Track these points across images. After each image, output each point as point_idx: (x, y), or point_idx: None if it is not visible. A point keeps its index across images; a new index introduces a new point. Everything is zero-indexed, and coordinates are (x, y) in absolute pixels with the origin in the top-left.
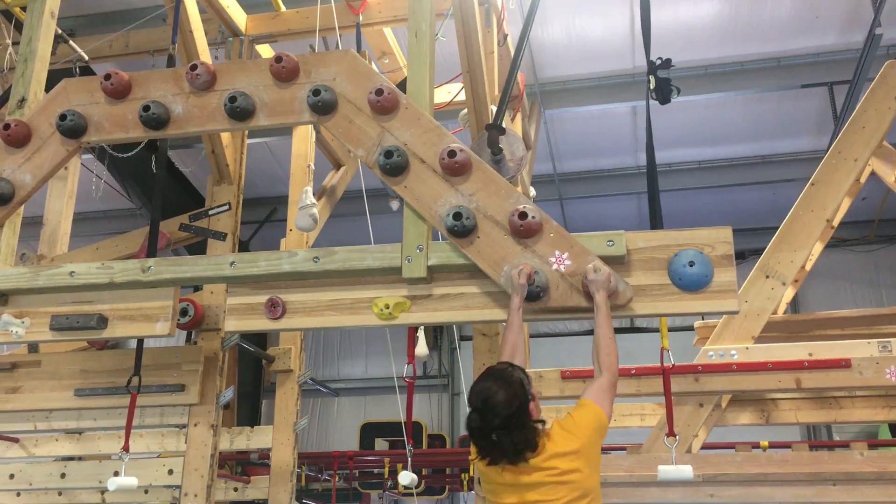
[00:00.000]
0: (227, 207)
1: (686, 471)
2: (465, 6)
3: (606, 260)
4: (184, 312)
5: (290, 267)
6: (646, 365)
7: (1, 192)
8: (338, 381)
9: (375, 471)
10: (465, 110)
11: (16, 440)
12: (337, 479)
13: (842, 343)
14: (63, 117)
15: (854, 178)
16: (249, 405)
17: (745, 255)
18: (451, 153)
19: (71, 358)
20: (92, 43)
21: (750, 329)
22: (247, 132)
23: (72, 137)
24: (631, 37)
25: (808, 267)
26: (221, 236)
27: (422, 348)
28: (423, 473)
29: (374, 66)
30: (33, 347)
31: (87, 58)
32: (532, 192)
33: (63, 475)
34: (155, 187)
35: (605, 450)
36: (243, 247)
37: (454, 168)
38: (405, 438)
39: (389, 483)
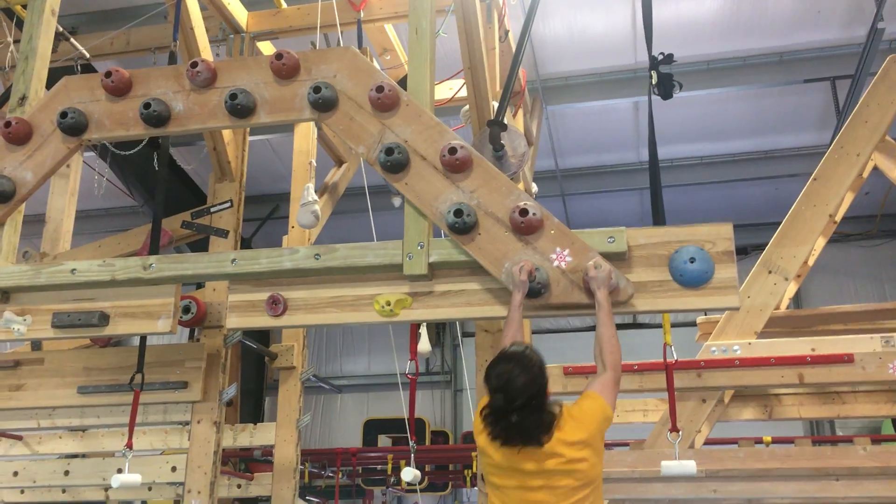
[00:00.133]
0: (228, 205)
1: (689, 466)
2: (466, 2)
3: (607, 256)
4: (186, 310)
5: (292, 264)
6: (648, 361)
7: (2, 190)
8: (340, 377)
9: (378, 467)
10: (467, 107)
11: (19, 438)
12: (340, 475)
13: (844, 338)
14: (64, 115)
15: (857, 173)
16: (252, 402)
17: (747, 251)
18: (452, 150)
19: (74, 355)
20: (93, 40)
21: (752, 324)
22: (248, 129)
23: (73, 135)
24: (632, 32)
25: (811, 262)
26: (223, 233)
27: (424, 345)
28: (426, 470)
29: (375, 63)
30: (36, 345)
31: (87, 55)
32: (534, 188)
33: (67, 472)
34: (157, 185)
35: (607, 445)
36: (245, 244)
37: (455, 165)
38: (408, 435)
39: (392, 479)
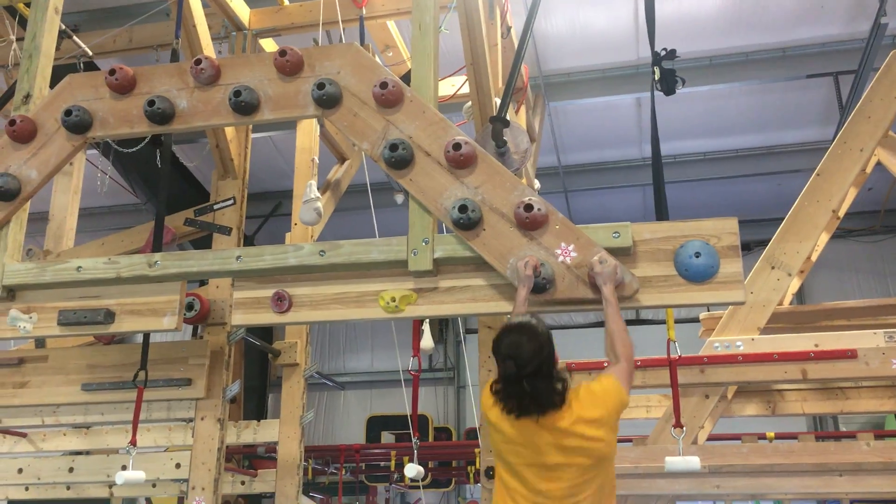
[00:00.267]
0: (231, 202)
1: (693, 462)
2: None
3: (612, 251)
4: (189, 307)
5: (297, 260)
6: (651, 356)
7: (7, 188)
8: (344, 374)
9: (382, 464)
10: (469, 103)
11: (24, 435)
12: (343, 472)
13: (848, 333)
14: (68, 113)
15: (860, 169)
16: (256, 399)
17: (750, 247)
18: (457, 146)
19: (78, 353)
20: (96, 38)
21: (756, 320)
22: (251, 127)
23: (77, 133)
24: (635, 28)
25: (814, 258)
26: (226, 231)
27: (427, 341)
28: (430, 466)
29: (377, 60)
30: (40, 342)
31: (90, 53)
32: (536, 184)
33: (71, 469)
34: (160, 182)
35: None
36: (248, 241)
37: (459, 160)
38: (411, 431)
39: (396, 476)
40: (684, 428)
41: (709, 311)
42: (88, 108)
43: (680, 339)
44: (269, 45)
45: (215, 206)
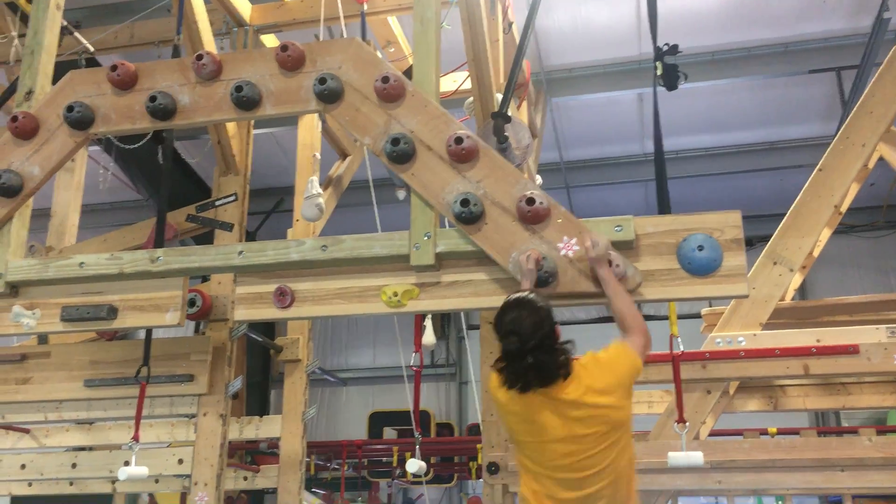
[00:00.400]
0: (233, 198)
1: (696, 457)
2: None
3: (615, 245)
4: (191, 303)
5: (299, 256)
6: (653, 352)
7: (10, 185)
8: (346, 370)
9: (384, 459)
10: (471, 99)
11: (27, 431)
12: (346, 467)
13: (850, 329)
14: (70, 109)
15: (862, 164)
16: (258, 395)
17: (752, 242)
18: (458, 140)
19: (80, 349)
20: (97, 34)
21: (757, 315)
22: (252, 123)
23: (79, 129)
24: (637, 24)
25: (816, 253)
26: (228, 227)
27: (429, 337)
28: (432, 462)
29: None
30: (43, 339)
31: (92, 49)
32: (538, 180)
33: (74, 465)
34: (162, 178)
35: None
36: (250, 237)
37: (461, 155)
38: (413, 427)
39: (398, 472)
40: (687, 423)
41: (711, 306)
42: (90, 104)
43: (682, 334)
44: (271, 40)
45: (217, 203)
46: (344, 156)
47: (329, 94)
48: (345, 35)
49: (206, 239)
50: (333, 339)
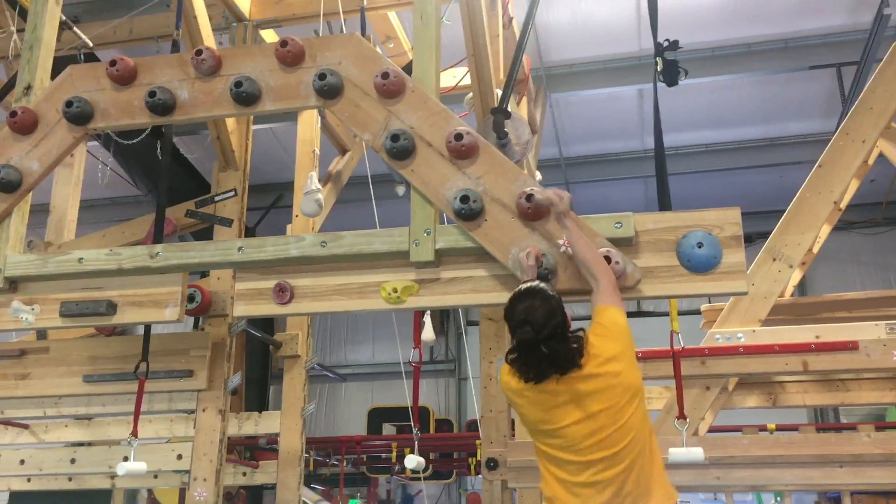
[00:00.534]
0: (233, 193)
1: (697, 453)
2: None
3: (615, 242)
4: (191, 298)
5: (298, 252)
6: (652, 348)
7: (9, 180)
8: (345, 366)
9: (383, 455)
10: (471, 94)
11: (26, 426)
12: (345, 463)
13: (849, 325)
14: (69, 104)
15: (862, 160)
16: (257, 391)
17: (752, 239)
18: (458, 136)
19: (79, 344)
20: (96, 29)
21: (757, 312)
22: (252, 118)
23: (78, 124)
24: (637, 19)
25: (816, 249)
26: (227, 222)
27: (429, 333)
28: (431, 458)
29: (378, 51)
30: (41, 334)
31: (91, 44)
32: (538, 176)
33: (73, 461)
34: (161, 174)
35: None
36: (250, 233)
37: (461, 151)
38: (412, 423)
39: (397, 467)
40: (687, 419)
41: (710, 302)
42: (89, 99)
43: (681, 330)
44: (270, 35)
45: (216, 198)
46: (343, 152)
47: (329, 90)
48: (344, 30)
49: (205, 234)
50: (333, 335)
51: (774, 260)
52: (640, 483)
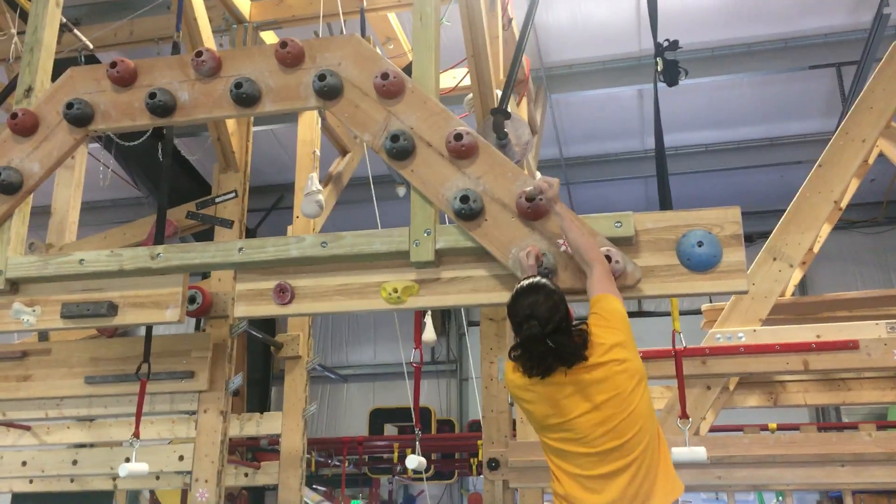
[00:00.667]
0: (233, 195)
1: (700, 452)
2: None
3: (615, 241)
4: (192, 300)
5: (299, 252)
6: (653, 348)
7: (10, 182)
8: (346, 367)
9: (385, 456)
10: (470, 95)
11: (28, 428)
12: (347, 464)
13: (850, 325)
14: (70, 106)
15: (862, 160)
16: (259, 392)
17: (752, 238)
18: (458, 136)
19: (81, 346)
20: (96, 32)
21: (757, 311)
22: (252, 119)
23: (79, 126)
24: (637, 19)
25: (816, 249)
26: (228, 224)
27: (430, 334)
28: (433, 458)
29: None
30: (43, 336)
31: (91, 46)
32: (538, 176)
33: (75, 462)
34: (162, 175)
35: None
36: (250, 234)
37: (461, 151)
38: (413, 423)
39: (399, 468)
40: (690, 419)
41: (711, 302)
42: (90, 101)
43: (682, 330)
44: (270, 37)
45: (217, 199)
46: (344, 152)
47: (328, 91)
48: (344, 31)
49: (206, 236)
50: (334, 336)
51: (775, 259)
52: (650, 473)
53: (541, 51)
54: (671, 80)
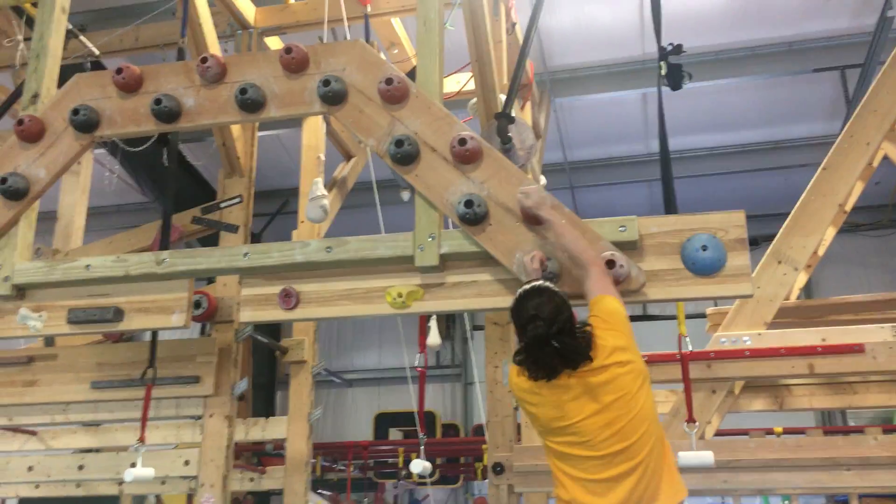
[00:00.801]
0: (238, 200)
1: (707, 457)
2: None
3: (619, 245)
4: (197, 305)
5: (304, 257)
6: (658, 352)
7: (16, 188)
8: (351, 371)
9: (390, 460)
10: (474, 100)
11: (34, 433)
12: (352, 468)
13: (855, 328)
14: (76, 112)
15: (866, 162)
16: (264, 396)
17: (757, 242)
18: (462, 141)
19: (87, 351)
20: (102, 38)
21: (762, 315)
22: (257, 125)
23: (85, 132)
24: (640, 23)
25: (821, 252)
26: (233, 229)
27: (434, 338)
28: (437, 463)
29: (382, 57)
30: (49, 341)
31: (97, 53)
32: (542, 180)
33: (81, 467)
34: (167, 181)
35: None
36: (255, 239)
37: (465, 156)
38: (418, 428)
39: (404, 472)
40: (697, 423)
41: (716, 305)
42: (96, 107)
43: (687, 334)
44: (275, 43)
45: (222, 205)
46: (348, 157)
47: (333, 96)
48: (348, 37)
49: (211, 241)
50: (339, 341)
51: (780, 263)
52: (654, 476)
53: (545, 55)
54: (675, 83)
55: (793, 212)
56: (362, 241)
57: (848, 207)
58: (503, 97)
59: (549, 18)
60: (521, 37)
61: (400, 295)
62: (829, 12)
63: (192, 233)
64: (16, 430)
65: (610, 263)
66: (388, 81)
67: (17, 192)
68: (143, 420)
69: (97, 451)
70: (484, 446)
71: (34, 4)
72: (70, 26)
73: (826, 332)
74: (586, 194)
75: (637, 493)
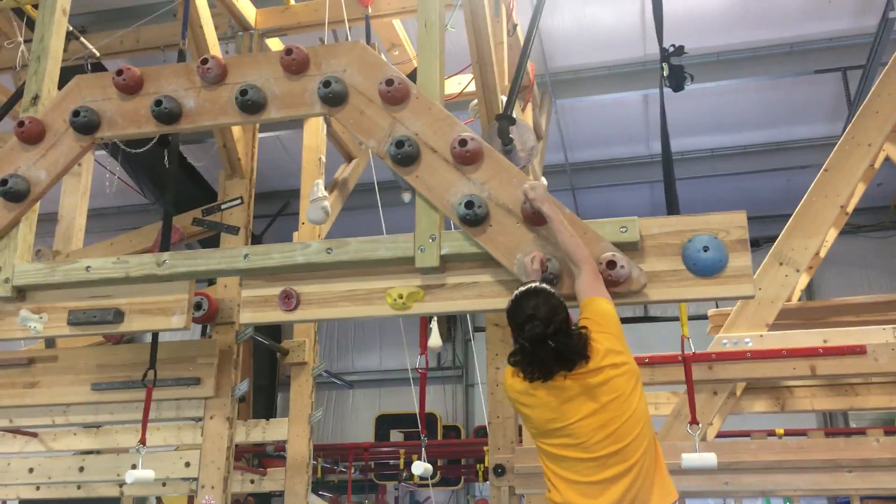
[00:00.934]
0: (239, 201)
1: (710, 458)
2: None
3: (620, 246)
4: (198, 306)
5: (304, 258)
6: (659, 353)
7: (17, 189)
8: (352, 373)
9: (391, 462)
10: (475, 101)
11: (34, 435)
12: (353, 470)
13: (857, 329)
14: (76, 113)
15: (868, 164)
16: (265, 398)
17: (759, 243)
18: (463, 142)
19: (87, 353)
20: (103, 39)
21: (764, 316)
22: (258, 126)
23: (85, 133)
24: (642, 24)
25: (823, 253)
26: (234, 230)
27: (435, 339)
28: (439, 464)
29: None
30: (50, 342)
31: (98, 54)
32: (543, 182)
33: (81, 469)
34: (168, 182)
35: None
36: (256, 241)
37: (465, 157)
38: (419, 429)
39: (405, 474)
40: (699, 424)
41: (717, 307)
42: (96, 108)
43: (689, 335)
44: (276, 44)
45: (223, 206)
46: (349, 159)
47: (333, 98)
48: (349, 38)
49: (212, 242)
50: (340, 342)
51: (781, 264)
52: (647, 479)
53: (546, 56)
54: (677, 85)
55: (794, 213)
56: (363, 243)
57: (850, 209)
58: (504, 98)
59: (551, 19)
60: (522, 38)
61: (401, 296)
62: (830, 13)
63: (192, 234)
64: (16, 431)
65: (611, 264)
66: (389, 83)
67: (17, 194)
68: (144, 422)
69: (98, 452)
70: (485, 448)
71: (35, 6)
72: (70, 28)
73: (828, 333)
74: (588, 196)
75: (630, 495)
